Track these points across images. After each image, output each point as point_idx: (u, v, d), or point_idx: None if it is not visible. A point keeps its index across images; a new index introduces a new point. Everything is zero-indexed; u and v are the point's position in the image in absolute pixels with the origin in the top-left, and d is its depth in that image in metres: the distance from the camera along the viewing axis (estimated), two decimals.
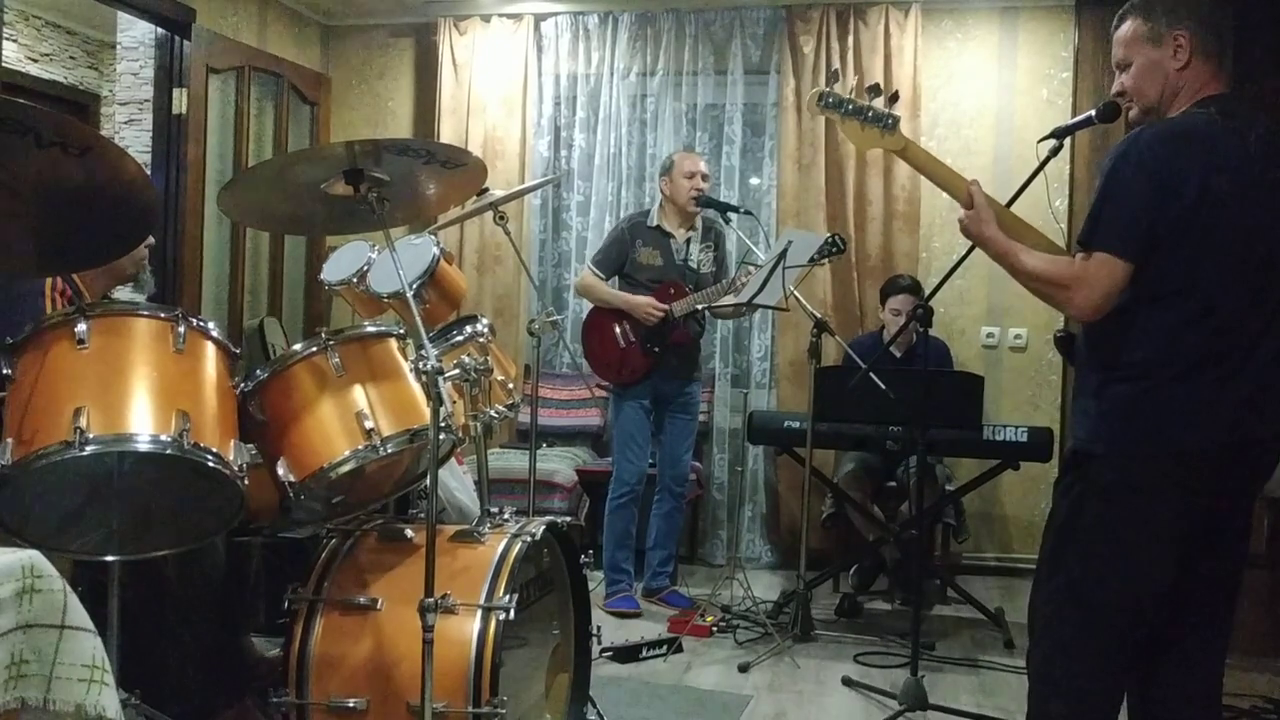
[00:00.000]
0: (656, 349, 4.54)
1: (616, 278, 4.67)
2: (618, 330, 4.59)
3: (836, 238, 4.20)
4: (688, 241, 4.65)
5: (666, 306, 4.49)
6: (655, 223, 4.65)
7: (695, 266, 4.64)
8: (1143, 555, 2.18)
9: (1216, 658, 2.29)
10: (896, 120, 2.43)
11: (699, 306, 4.51)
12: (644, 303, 4.52)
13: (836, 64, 5.39)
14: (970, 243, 2.39)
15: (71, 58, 6.72)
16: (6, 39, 5.34)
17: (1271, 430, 2.19)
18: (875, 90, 2.43)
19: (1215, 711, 2.32)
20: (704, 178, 4.62)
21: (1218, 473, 2.16)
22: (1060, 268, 2.20)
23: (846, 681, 3.76)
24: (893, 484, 4.88)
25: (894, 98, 2.46)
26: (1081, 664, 2.22)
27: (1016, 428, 4.42)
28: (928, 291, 3.89)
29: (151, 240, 2.83)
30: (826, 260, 4.24)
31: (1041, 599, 2.32)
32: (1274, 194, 2.15)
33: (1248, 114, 2.21)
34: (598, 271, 4.66)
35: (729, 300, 4.38)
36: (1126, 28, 2.28)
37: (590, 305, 4.79)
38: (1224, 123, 2.15)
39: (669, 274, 4.59)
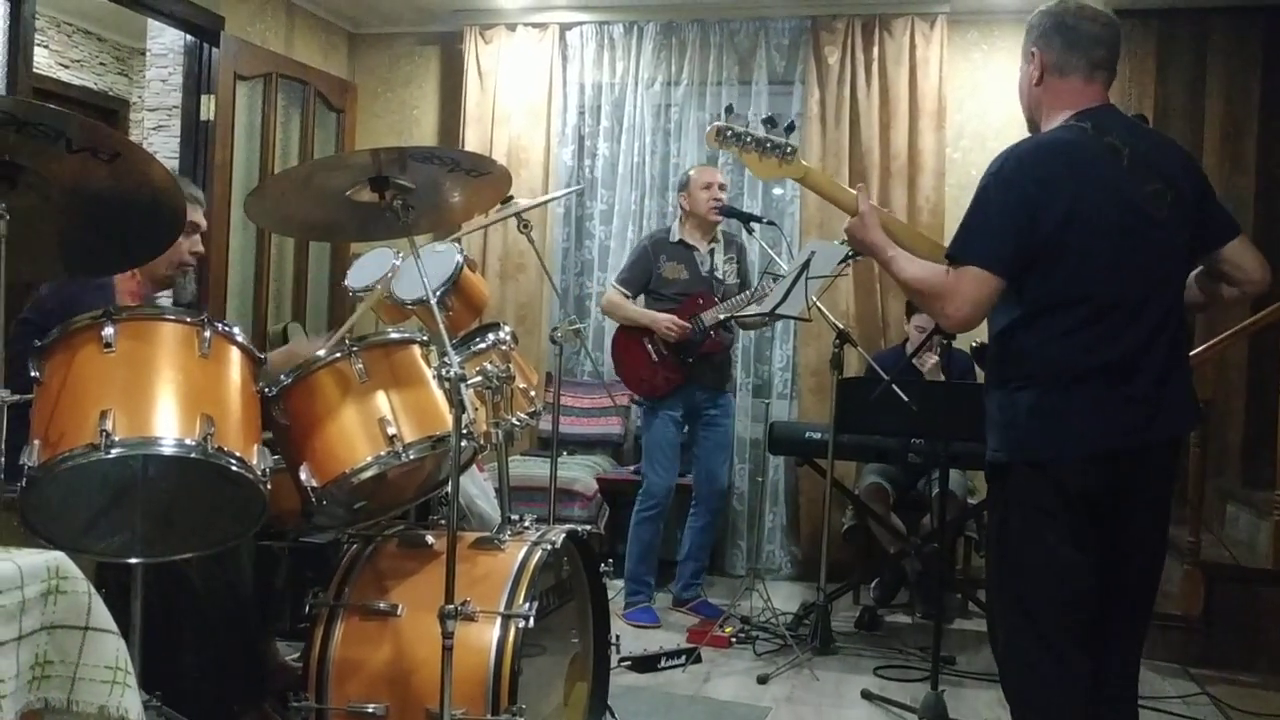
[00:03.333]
0: (690, 359, 4.55)
1: (644, 296, 4.68)
2: (649, 345, 4.59)
3: None
4: (711, 253, 4.66)
5: (686, 324, 4.50)
6: (677, 238, 4.67)
7: (721, 277, 4.65)
8: (1064, 558, 2.19)
9: (1136, 640, 2.32)
10: (794, 149, 2.49)
11: (721, 316, 4.51)
12: (664, 320, 4.52)
13: (861, 74, 5.38)
14: None
15: (101, 64, 6.79)
16: (38, 45, 5.39)
17: (1166, 433, 2.22)
18: (771, 122, 2.52)
19: (1131, 688, 2.33)
20: (721, 188, 4.65)
21: (1119, 475, 2.18)
22: (937, 279, 2.23)
23: (866, 695, 3.74)
24: (914, 496, 4.85)
25: (790, 128, 2.54)
26: (1046, 675, 2.22)
27: None
28: None
29: (200, 249, 2.85)
30: (848, 265, 4.22)
31: (995, 616, 2.35)
32: (1149, 205, 2.20)
33: (1125, 126, 2.28)
34: (624, 290, 4.67)
35: (753, 309, 4.38)
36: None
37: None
38: (1097, 137, 2.22)
39: (696, 286, 4.60)
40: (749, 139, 2.48)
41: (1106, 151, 2.21)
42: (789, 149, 2.48)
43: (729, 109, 2.54)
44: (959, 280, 2.16)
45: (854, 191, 2.44)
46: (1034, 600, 2.22)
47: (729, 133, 2.49)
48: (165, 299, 3.18)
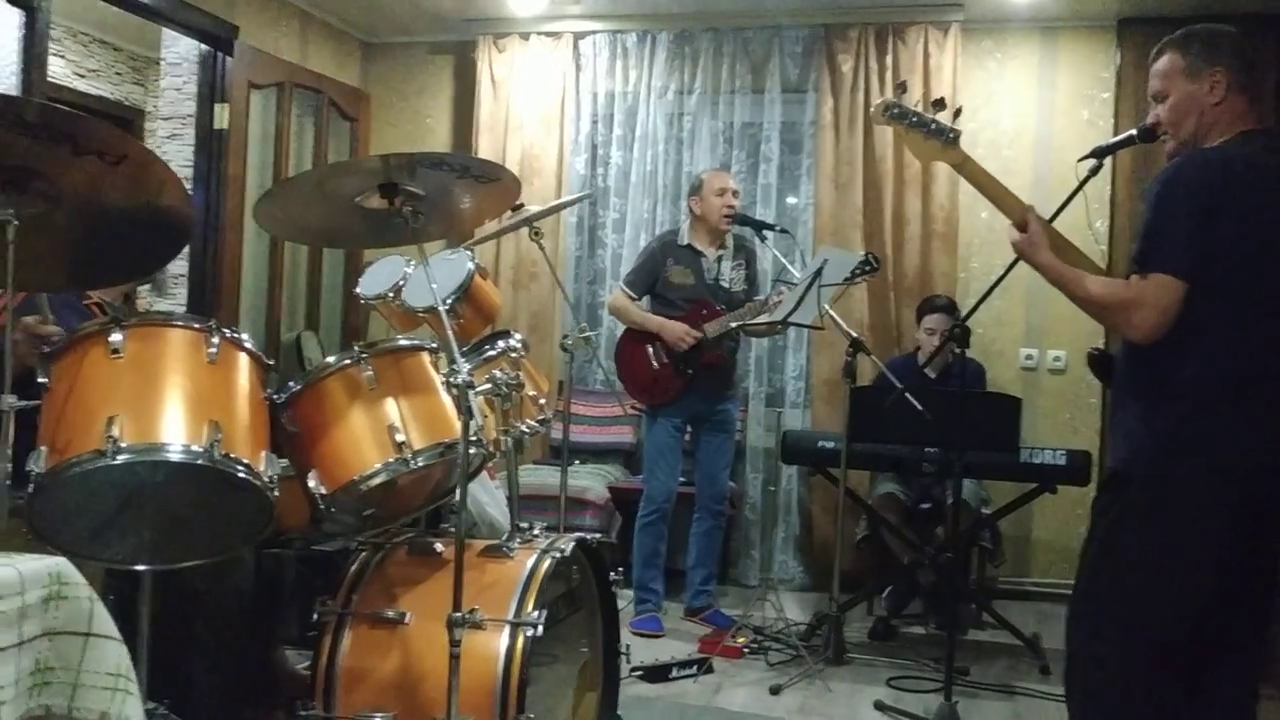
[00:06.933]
0: (690, 370, 4.53)
1: (648, 298, 4.67)
2: (650, 351, 4.58)
3: (870, 256, 4.17)
4: (719, 260, 4.64)
5: (700, 334, 4.48)
6: (686, 241, 4.65)
7: (727, 285, 4.63)
8: (1181, 578, 2.19)
9: (1248, 680, 2.30)
10: (958, 135, 2.48)
11: (733, 325, 4.49)
12: (678, 330, 4.51)
13: (875, 82, 5.37)
14: (1009, 263, 2.44)
15: (117, 73, 6.83)
16: (54, 55, 5.43)
17: None
18: (940, 104, 2.51)
19: None
20: (734, 194, 4.63)
21: (1260, 495, 2.18)
22: (1120, 290, 2.24)
23: (879, 706, 3.71)
24: (928, 506, 4.82)
25: (957, 113, 2.53)
26: (1124, 685, 2.22)
27: (1055, 450, 4.35)
28: (965, 312, 3.85)
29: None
30: (861, 279, 4.21)
31: (1079, 619, 2.34)
32: None
33: None
34: (630, 292, 4.67)
35: (764, 319, 4.36)
36: (1164, 61, 2.35)
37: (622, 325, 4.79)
38: (1268, 157, 2.24)
39: (701, 293, 4.58)
40: (915, 118, 2.48)
41: (1277, 170, 2.24)
42: (952, 134, 2.48)
43: (901, 86, 2.54)
44: (1146, 289, 2.18)
45: (1018, 198, 2.42)
46: (1131, 612, 2.21)
47: (896, 110, 2.49)
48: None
